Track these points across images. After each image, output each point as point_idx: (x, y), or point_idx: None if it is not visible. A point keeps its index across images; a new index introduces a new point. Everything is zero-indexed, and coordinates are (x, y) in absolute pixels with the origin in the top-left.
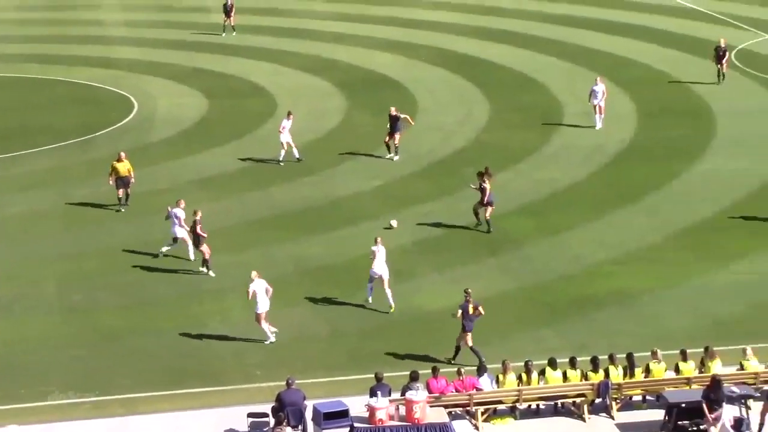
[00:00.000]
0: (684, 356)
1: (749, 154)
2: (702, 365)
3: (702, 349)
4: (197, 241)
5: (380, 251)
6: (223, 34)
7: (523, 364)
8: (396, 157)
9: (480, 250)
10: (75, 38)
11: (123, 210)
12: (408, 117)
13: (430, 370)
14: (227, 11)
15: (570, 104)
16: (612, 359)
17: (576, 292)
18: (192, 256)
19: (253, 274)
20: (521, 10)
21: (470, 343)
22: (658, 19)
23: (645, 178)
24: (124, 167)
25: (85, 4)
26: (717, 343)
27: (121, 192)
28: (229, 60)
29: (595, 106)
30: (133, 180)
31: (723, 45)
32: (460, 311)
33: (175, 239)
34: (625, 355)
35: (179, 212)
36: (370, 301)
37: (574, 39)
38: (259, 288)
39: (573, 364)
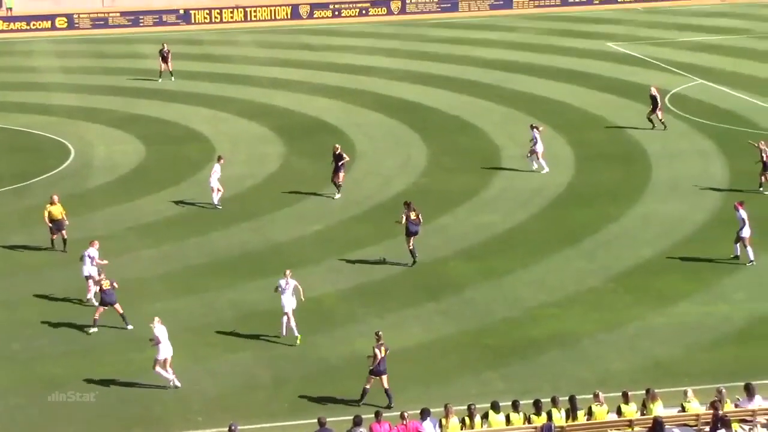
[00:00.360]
0: (626, 398)
1: (684, 196)
2: (644, 407)
3: (643, 391)
4: (107, 300)
5: (289, 285)
6: (160, 80)
7: (466, 407)
8: (337, 196)
9: (421, 294)
10: (11, 84)
11: (63, 251)
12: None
13: (373, 415)
14: (164, 57)
15: (508, 148)
16: (554, 402)
17: (518, 335)
18: (91, 296)
19: (156, 320)
20: (457, 55)
21: (368, 385)
22: (593, 63)
23: (583, 222)
24: (57, 210)
25: (20, 50)
26: (658, 385)
27: (55, 236)
28: (167, 106)
29: (531, 150)
30: (67, 222)
31: (654, 93)
32: (378, 354)
33: (87, 278)
34: (567, 398)
35: (93, 251)
36: (299, 338)
37: (510, 84)
38: (162, 333)
39: (516, 407)
